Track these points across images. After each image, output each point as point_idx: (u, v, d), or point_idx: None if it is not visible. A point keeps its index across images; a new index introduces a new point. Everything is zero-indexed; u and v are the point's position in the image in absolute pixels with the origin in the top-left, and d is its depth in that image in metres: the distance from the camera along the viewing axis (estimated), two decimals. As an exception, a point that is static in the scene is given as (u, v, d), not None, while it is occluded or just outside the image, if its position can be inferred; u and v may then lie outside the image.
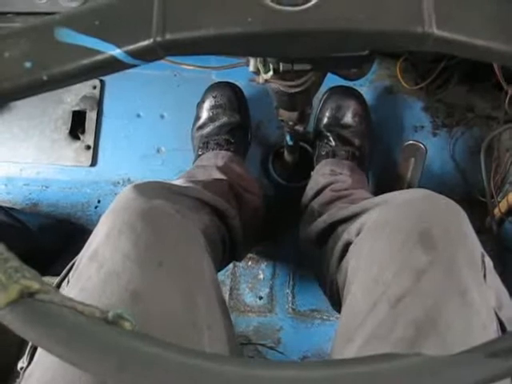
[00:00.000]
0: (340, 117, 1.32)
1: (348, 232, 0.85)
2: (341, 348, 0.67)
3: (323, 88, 1.34)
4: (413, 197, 0.75)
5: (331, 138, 1.30)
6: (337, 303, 0.95)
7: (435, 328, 0.58)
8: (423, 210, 0.70)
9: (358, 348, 0.62)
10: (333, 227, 0.97)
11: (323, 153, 1.30)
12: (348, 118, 1.32)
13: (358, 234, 0.80)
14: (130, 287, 0.61)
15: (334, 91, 1.35)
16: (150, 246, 0.67)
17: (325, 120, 1.34)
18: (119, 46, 0.36)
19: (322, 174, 1.22)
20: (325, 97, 1.36)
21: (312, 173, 1.29)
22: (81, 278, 0.65)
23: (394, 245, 0.68)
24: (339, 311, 1.01)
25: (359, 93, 1.36)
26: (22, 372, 0.63)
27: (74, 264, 0.71)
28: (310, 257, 1.15)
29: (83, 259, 0.68)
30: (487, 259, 0.68)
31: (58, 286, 0.72)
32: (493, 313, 0.63)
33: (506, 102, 1.16)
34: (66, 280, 0.71)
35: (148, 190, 0.78)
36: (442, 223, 0.67)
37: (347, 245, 0.84)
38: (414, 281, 0.62)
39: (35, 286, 0.32)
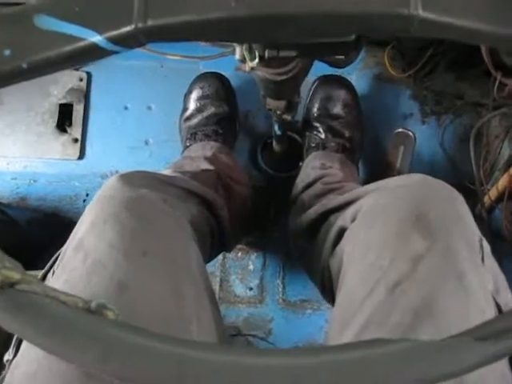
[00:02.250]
0: (330, 107, 1.31)
1: (342, 218, 0.85)
2: (337, 334, 0.67)
3: (312, 77, 1.34)
4: (409, 181, 0.74)
5: (321, 130, 1.29)
6: (328, 292, 0.95)
7: (432, 313, 0.58)
8: (419, 194, 0.69)
9: (355, 334, 0.62)
10: (325, 216, 0.96)
11: (313, 145, 1.29)
12: (338, 109, 1.31)
13: (353, 220, 0.80)
14: (116, 277, 0.60)
15: (323, 80, 1.34)
16: (135, 235, 0.66)
17: (314, 110, 1.33)
18: (100, 33, 0.36)
19: (313, 167, 1.21)
20: (314, 86, 1.35)
21: (302, 165, 1.29)
22: (66, 269, 0.64)
23: (390, 230, 0.68)
24: (330, 301, 1.01)
25: (349, 82, 1.35)
26: (7, 364, 0.62)
27: (59, 255, 0.71)
28: (299, 248, 1.15)
29: (68, 250, 0.67)
30: (485, 243, 0.68)
31: (44, 277, 0.72)
32: (490, 297, 0.63)
33: (495, 88, 1.16)
34: (52, 271, 0.70)
35: (134, 179, 0.77)
36: (438, 207, 0.67)
37: (341, 231, 0.84)
38: (411, 266, 0.62)
39: (16, 276, 0.31)
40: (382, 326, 0.60)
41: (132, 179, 0.76)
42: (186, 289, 0.68)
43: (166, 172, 1.02)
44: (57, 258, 0.71)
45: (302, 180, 1.20)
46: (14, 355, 0.62)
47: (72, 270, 0.63)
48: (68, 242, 0.70)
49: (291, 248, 1.23)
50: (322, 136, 1.28)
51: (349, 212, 0.82)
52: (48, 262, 0.74)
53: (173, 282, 0.66)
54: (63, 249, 0.70)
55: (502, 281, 0.68)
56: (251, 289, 1.38)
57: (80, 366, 0.31)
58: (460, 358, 0.31)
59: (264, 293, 1.37)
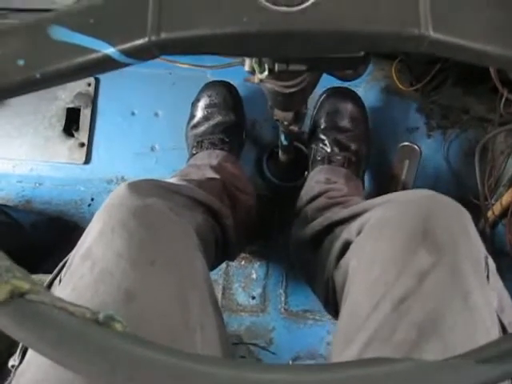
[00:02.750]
0: (337, 120, 1.30)
1: (348, 231, 0.84)
2: (341, 350, 0.67)
3: (320, 88, 1.34)
4: (416, 196, 0.74)
5: (327, 143, 1.28)
6: (331, 305, 0.94)
7: (438, 331, 0.58)
8: (427, 209, 0.69)
9: (359, 350, 0.61)
10: (329, 229, 0.96)
11: (319, 158, 1.28)
12: (345, 122, 1.30)
13: (358, 234, 0.79)
14: (123, 286, 0.60)
15: (331, 93, 1.33)
16: (143, 244, 0.66)
17: (321, 123, 1.32)
18: (114, 45, 0.36)
19: (317, 181, 1.21)
20: (322, 98, 1.35)
21: (307, 175, 1.28)
22: (73, 277, 0.64)
23: (396, 245, 0.67)
24: (333, 313, 1.01)
25: (357, 95, 1.34)
26: (13, 370, 0.62)
27: (65, 262, 0.71)
28: (301, 260, 1.15)
29: (76, 258, 0.67)
30: (490, 261, 0.68)
31: (50, 284, 0.72)
32: (495, 316, 0.63)
33: (502, 104, 1.16)
34: (58, 279, 0.70)
35: (141, 187, 0.77)
36: (445, 224, 0.66)
37: (347, 244, 0.83)
38: (416, 282, 0.62)
39: (26, 286, 0.32)
40: (387, 342, 0.59)
41: (139, 188, 0.77)
42: (192, 298, 0.68)
43: (172, 180, 1.02)
44: (63, 265, 0.71)
45: (306, 193, 1.20)
46: (20, 361, 0.62)
47: (79, 278, 0.63)
48: (75, 249, 0.70)
49: (293, 259, 1.22)
50: (328, 149, 1.27)
51: (354, 225, 0.82)
52: (52, 265, 0.74)
53: (179, 291, 0.67)
54: (70, 256, 0.70)
55: (506, 299, 0.68)
56: (254, 297, 1.38)
57: (87, 378, 0.31)
58: (461, 379, 0.31)
59: (266, 302, 1.37)
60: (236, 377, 0.31)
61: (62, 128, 1.46)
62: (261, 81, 0.64)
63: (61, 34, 0.36)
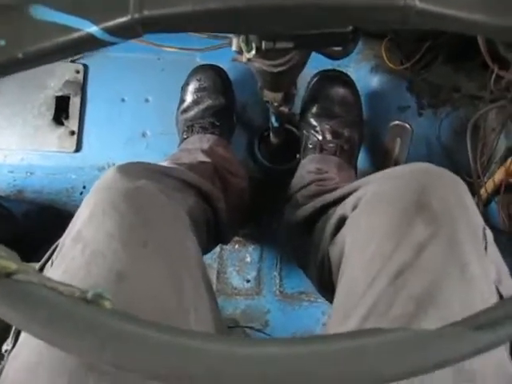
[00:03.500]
0: (328, 106, 1.28)
1: (343, 207, 0.84)
2: (337, 325, 0.67)
3: (310, 70, 1.33)
4: (411, 169, 0.73)
5: (318, 129, 1.26)
6: (326, 287, 0.94)
7: (435, 303, 0.58)
8: (422, 181, 0.68)
9: (356, 326, 0.61)
10: (322, 210, 0.96)
11: (310, 146, 1.27)
12: (337, 108, 1.28)
13: (353, 209, 0.79)
14: (115, 268, 0.60)
15: (322, 77, 1.32)
16: (135, 226, 0.66)
17: (312, 109, 1.30)
18: (96, 23, 0.35)
19: (308, 171, 1.20)
20: (313, 82, 1.33)
21: (298, 166, 1.27)
22: (65, 259, 0.64)
23: (392, 218, 0.67)
24: (328, 296, 1.01)
25: (349, 78, 1.32)
26: (6, 354, 0.62)
27: (57, 246, 0.71)
28: (294, 245, 1.15)
29: (66, 240, 0.67)
30: (488, 232, 0.68)
31: (41, 268, 0.72)
32: (493, 287, 0.63)
33: (492, 81, 1.15)
34: (50, 262, 0.70)
35: (131, 170, 0.77)
36: (442, 195, 0.66)
37: (342, 220, 0.83)
38: (413, 255, 0.62)
39: (13, 266, 0.31)
40: (384, 317, 0.59)
41: (130, 170, 0.76)
42: (185, 279, 0.68)
43: (164, 164, 1.02)
44: (54, 250, 0.71)
45: (296, 182, 1.20)
46: (13, 345, 0.62)
47: (71, 260, 0.63)
48: (66, 233, 0.70)
49: (285, 244, 1.22)
50: (320, 137, 1.25)
51: (349, 201, 0.81)
52: (44, 254, 0.74)
53: (171, 272, 0.67)
54: (61, 240, 0.70)
55: (504, 270, 0.68)
56: (248, 281, 1.38)
57: (77, 356, 0.31)
58: (455, 346, 0.31)
59: (261, 285, 1.38)
60: (227, 351, 0.30)
61: (51, 117, 1.45)
62: (249, 60, 0.63)
63: (42, 13, 0.36)
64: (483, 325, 0.32)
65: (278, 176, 1.39)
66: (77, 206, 1.40)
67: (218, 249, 1.39)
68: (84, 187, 1.45)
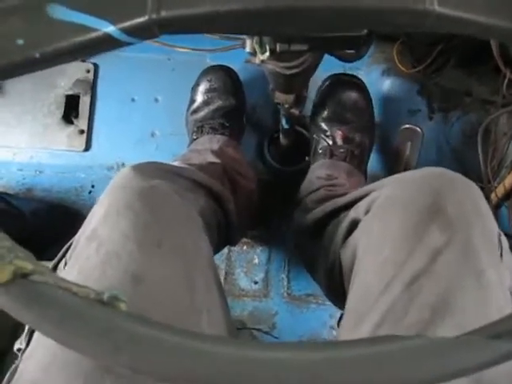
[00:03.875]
0: (340, 111, 1.26)
1: (355, 210, 0.83)
2: (350, 330, 0.67)
3: (322, 73, 1.33)
4: (426, 173, 0.72)
5: (329, 134, 1.25)
6: (335, 291, 0.93)
7: (450, 311, 0.57)
8: (438, 186, 0.67)
9: (370, 332, 0.61)
10: (333, 214, 0.95)
11: (320, 151, 1.25)
12: (348, 113, 1.26)
13: (366, 213, 0.78)
14: (130, 268, 0.60)
15: (334, 80, 1.30)
16: (149, 225, 0.66)
17: (323, 113, 1.28)
18: (113, 23, 0.35)
19: (318, 176, 1.19)
20: (324, 86, 1.31)
21: (308, 170, 1.26)
22: (79, 259, 0.64)
23: (407, 223, 0.66)
24: (336, 301, 1.00)
25: (362, 83, 1.30)
26: (20, 354, 0.62)
27: (70, 245, 0.71)
28: (303, 248, 1.15)
29: (81, 240, 0.67)
30: (503, 238, 0.67)
31: (55, 267, 0.72)
32: (508, 294, 0.62)
33: (504, 85, 1.15)
34: (64, 261, 0.70)
35: (145, 170, 0.77)
36: (457, 200, 0.65)
37: (354, 223, 0.82)
38: (428, 261, 0.61)
39: (29, 266, 0.31)
40: (399, 323, 0.59)
41: (143, 170, 0.76)
42: (198, 280, 0.68)
43: (175, 164, 1.02)
44: (68, 248, 0.71)
45: (306, 187, 1.19)
46: (27, 345, 0.62)
47: (85, 259, 0.63)
48: (80, 231, 0.70)
49: (294, 248, 1.21)
50: (330, 142, 1.24)
51: (362, 204, 0.80)
52: (54, 253, 0.74)
53: (186, 273, 0.67)
54: (75, 239, 0.70)
55: None
56: (256, 282, 1.38)
57: (92, 358, 0.30)
58: (473, 356, 0.31)
59: (269, 286, 1.38)
60: (240, 355, 0.30)
61: (61, 115, 1.46)
62: (262, 62, 0.63)
63: (60, 12, 0.36)
64: (501, 333, 0.32)
65: (288, 178, 1.39)
66: (85, 205, 1.41)
67: (226, 250, 1.39)
68: (93, 186, 1.45)
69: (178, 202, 0.76)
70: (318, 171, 1.21)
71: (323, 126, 1.27)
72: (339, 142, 1.24)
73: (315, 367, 0.30)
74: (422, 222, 0.65)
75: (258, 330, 1.33)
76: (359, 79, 1.30)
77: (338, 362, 0.30)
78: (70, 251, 0.69)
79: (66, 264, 0.69)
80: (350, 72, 1.35)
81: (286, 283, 1.38)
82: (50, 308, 0.31)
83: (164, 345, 0.30)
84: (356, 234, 0.80)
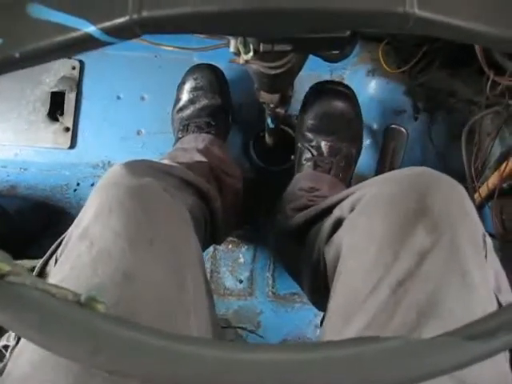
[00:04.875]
0: (325, 121, 1.22)
1: (340, 209, 0.82)
2: (336, 332, 0.66)
3: (308, 73, 1.32)
4: (412, 173, 0.72)
5: (314, 144, 1.21)
6: (318, 290, 0.92)
7: (437, 312, 0.57)
8: (423, 186, 0.67)
9: (356, 333, 0.61)
10: (317, 217, 0.94)
11: (304, 161, 1.22)
12: (335, 123, 1.22)
13: (351, 211, 0.77)
14: (122, 266, 0.60)
15: (321, 89, 1.26)
16: (141, 224, 0.66)
17: (308, 122, 1.24)
18: (94, 23, 0.35)
19: (300, 188, 1.17)
20: (310, 94, 1.27)
21: (292, 180, 1.23)
22: (70, 256, 0.64)
23: (393, 223, 0.66)
24: (319, 302, 1.00)
25: (349, 91, 1.25)
26: (9, 351, 0.62)
27: (61, 242, 0.71)
28: (285, 252, 1.15)
29: (73, 237, 0.67)
30: (488, 239, 0.67)
31: (45, 263, 0.72)
32: (493, 295, 0.63)
33: (488, 86, 1.15)
34: (54, 258, 0.70)
35: (136, 167, 0.77)
36: (443, 201, 0.65)
37: (338, 221, 0.81)
38: (415, 263, 0.61)
39: (6, 267, 0.31)
40: (386, 326, 0.59)
41: (135, 168, 0.76)
42: (187, 279, 0.68)
43: (164, 162, 1.02)
44: (59, 245, 0.71)
45: (288, 197, 1.17)
46: (17, 343, 0.61)
47: (77, 257, 0.63)
48: (71, 229, 0.70)
49: (275, 252, 1.21)
50: (315, 152, 1.21)
51: (347, 203, 0.80)
52: (37, 250, 0.74)
53: (176, 272, 0.67)
54: (66, 236, 0.70)
55: (502, 277, 0.67)
56: (241, 281, 1.38)
57: (69, 360, 0.30)
58: (447, 356, 0.31)
59: (254, 285, 1.38)
60: (222, 358, 0.30)
61: (46, 112, 1.44)
62: (246, 62, 0.63)
63: (40, 12, 0.35)
64: (477, 335, 0.32)
65: (272, 176, 1.39)
66: (70, 203, 1.40)
67: (211, 249, 1.39)
68: (78, 184, 1.44)
69: (168, 201, 0.76)
70: (301, 182, 1.19)
71: (308, 135, 1.24)
72: (325, 152, 1.21)
73: (294, 368, 0.31)
74: (408, 222, 0.65)
75: (243, 328, 1.34)
76: (347, 87, 1.26)
77: (313, 364, 0.30)
78: (60, 248, 0.70)
79: (56, 261, 0.69)
80: (335, 73, 1.36)
81: (270, 282, 1.38)
82: (28, 310, 0.31)
83: (141, 346, 0.30)
84: (340, 232, 0.80)
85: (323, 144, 1.21)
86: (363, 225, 0.72)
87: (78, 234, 0.66)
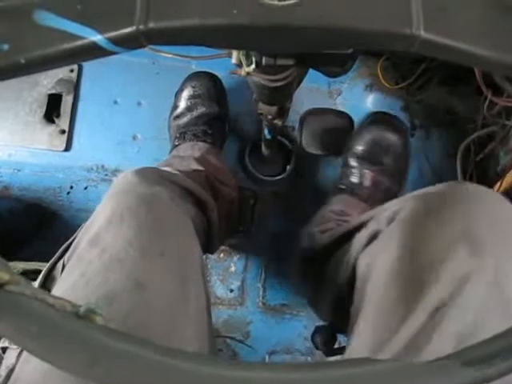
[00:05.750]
0: (373, 150, 1.22)
1: (376, 221, 0.78)
2: (370, 350, 0.63)
3: (307, 85, 1.32)
4: (453, 189, 0.69)
5: (356, 172, 1.21)
6: (344, 311, 0.83)
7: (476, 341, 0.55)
8: (467, 204, 0.64)
9: (393, 357, 0.58)
10: (344, 238, 0.89)
11: (342, 186, 1.21)
12: (383, 155, 1.21)
13: (389, 224, 0.74)
14: (133, 276, 0.61)
15: (375, 119, 1.27)
16: (152, 234, 0.67)
17: (357, 149, 1.24)
18: (101, 33, 0.35)
19: (331, 210, 1.16)
20: (366, 122, 1.29)
21: (324, 204, 1.21)
22: (81, 262, 0.64)
23: (434, 241, 0.63)
24: (343, 324, 0.93)
25: (403, 125, 1.28)
26: (16, 355, 0.61)
27: (69, 246, 0.71)
28: (307, 274, 1.10)
29: (82, 242, 0.67)
30: None
31: (52, 266, 0.72)
32: None
33: (485, 106, 1.16)
34: (61, 262, 0.70)
35: (147, 175, 0.78)
36: (488, 221, 0.62)
37: (374, 235, 0.77)
38: (455, 288, 0.58)
39: (5, 276, 0.31)
40: (422, 351, 0.57)
41: (145, 175, 0.77)
42: (191, 290, 0.68)
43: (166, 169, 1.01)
44: (67, 248, 0.71)
45: (317, 221, 1.15)
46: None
47: (88, 263, 0.63)
48: (81, 233, 0.70)
49: (295, 275, 1.16)
50: (356, 180, 1.20)
51: (384, 216, 0.76)
52: (29, 252, 0.74)
53: (182, 283, 0.67)
54: (75, 240, 0.70)
55: None
56: (232, 290, 1.38)
57: (67, 372, 0.30)
58: (443, 380, 0.31)
59: (244, 295, 1.38)
60: (215, 374, 0.30)
61: (42, 114, 1.43)
62: (247, 74, 0.64)
63: (47, 18, 0.36)
64: (474, 360, 0.32)
65: (267, 187, 1.39)
66: (63, 206, 1.40)
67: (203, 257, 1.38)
68: (71, 187, 1.44)
69: (175, 210, 0.77)
70: (334, 205, 1.18)
71: (352, 162, 1.23)
72: (366, 183, 1.19)
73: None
74: (450, 242, 0.62)
75: (232, 338, 1.33)
76: (402, 122, 1.27)
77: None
78: (68, 252, 0.69)
79: (63, 265, 0.69)
80: (333, 86, 1.36)
81: (261, 292, 1.38)
82: (26, 320, 0.30)
83: (139, 359, 0.30)
84: (376, 244, 0.76)
85: (366, 173, 1.20)
86: (398, 240, 0.68)
87: (88, 239, 0.66)
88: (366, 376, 0.31)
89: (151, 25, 0.36)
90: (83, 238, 0.68)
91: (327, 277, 0.94)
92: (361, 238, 0.81)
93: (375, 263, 0.73)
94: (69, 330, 0.31)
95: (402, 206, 0.73)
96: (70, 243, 0.71)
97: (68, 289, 0.61)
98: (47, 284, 0.72)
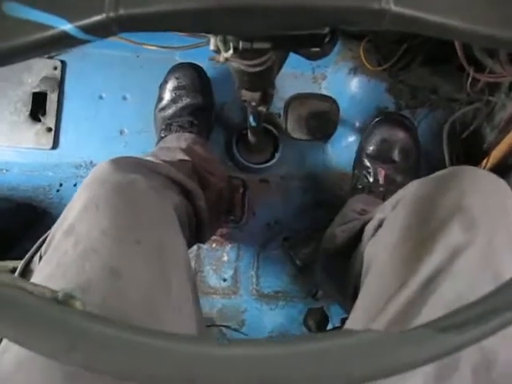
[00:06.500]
0: (385, 150, 1.27)
1: (382, 210, 0.81)
2: (363, 324, 0.65)
3: (289, 71, 1.33)
4: (452, 171, 0.71)
5: (371, 171, 1.25)
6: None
7: None
8: (463, 184, 0.66)
9: (383, 328, 0.59)
10: (360, 233, 0.91)
11: (360, 186, 1.25)
12: (394, 153, 1.27)
13: (392, 210, 0.77)
14: (109, 264, 0.60)
15: (383, 119, 1.31)
16: (128, 222, 0.66)
17: (368, 149, 1.29)
18: (70, 21, 0.35)
19: (353, 209, 1.17)
20: (374, 122, 1.32)
21: (344, 205, 1.23)
22: (56, 253, 0.64)
23: (429, 219, 0.65)
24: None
25: (411, 123, 1.31)
26: None
27: (45, 239, 0.70)
28: (333, 272, 1.11)
29: (57, 233, 0.67)
30: None
31: (29, 260, 0.71)
32: None
33: (468, 83, 1.16)
34: (38, 254, 0.70)
35: (124, 164, 0.77)
36: (482, 199, 0.64)
37: (380, 223, 0.81)
38: (447, 260, 0.60)
39: (-18, 266, 0.31)
40: (412, 322, 0.58)
41: (122, 164, 0.76)
42: (173, 278, 0.68)
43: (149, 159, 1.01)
44: (43, 242, 0.70)
45: (339, 220, 1.16)
46: (1, 339, 0.61)
47: (63, 254, 0.63)
48: (56, 225, 0.70)
49: (322, 273, 1.18)
50: (371, 179, 1.24)
51: (388, 203, 0.79)
52: (20, 252, 0.73)
53: (163, 271, 0.67)
54: (51, 232, 0.70)
55: None
56: (225, 280, 1.38)
57: (46, 357, 0.30)
58: (419, 349, 0.32)
59: (238, 284, 1.38)
60: (194, 352, 0.30)
61: (28, 113, 1.43)
62: (226, 60, 0.63)
63: (15, 9, 0.35)
64: (449, 327, 0.32)
65: (256, 175, 1.39)
66: (53, 204, 1.40)
67: (195, 247, 1.39)
68: (61, 185, 1.43)
69: (155, 199, 0.76)
70: (354, 205, 1.19)
71: (366, 162, 1.28)
72: (381, 180, 1.24)
73: (265, 363, 0.31)
74: (446, 219, 0.63)
75: (227, 327, 1.34)
76: (410, 120, 1.31)
77: (284, 358, 0.31)
78: (44, 245, 0.69)
79: (40, 257, 0.68)
80: (317, 71, 1.36)
81: (254, 280, 1.38)
82: (4, 307, 0.30)
83: (118, 343, 0.30)
84: (380, 231, 0.79)
85: (380, 171, 1.24)
86: (400, 222, 0.71)
87: (63, 230, 0.66)
88: (340, 347, 0.31)
89: (121, 11, 0.35)
90: (58, 229, 0.68)
91: (348, 273, 0.96)
92: (369, 229, 0.84)
93: (378, 249, 0.75)
94: (48, 316, 0.31)
95: (405, 192, 0.75)
96: (47, 236, 0.71)
97: (45, 279, 0.60)
98: (25, 276, 0.72)
